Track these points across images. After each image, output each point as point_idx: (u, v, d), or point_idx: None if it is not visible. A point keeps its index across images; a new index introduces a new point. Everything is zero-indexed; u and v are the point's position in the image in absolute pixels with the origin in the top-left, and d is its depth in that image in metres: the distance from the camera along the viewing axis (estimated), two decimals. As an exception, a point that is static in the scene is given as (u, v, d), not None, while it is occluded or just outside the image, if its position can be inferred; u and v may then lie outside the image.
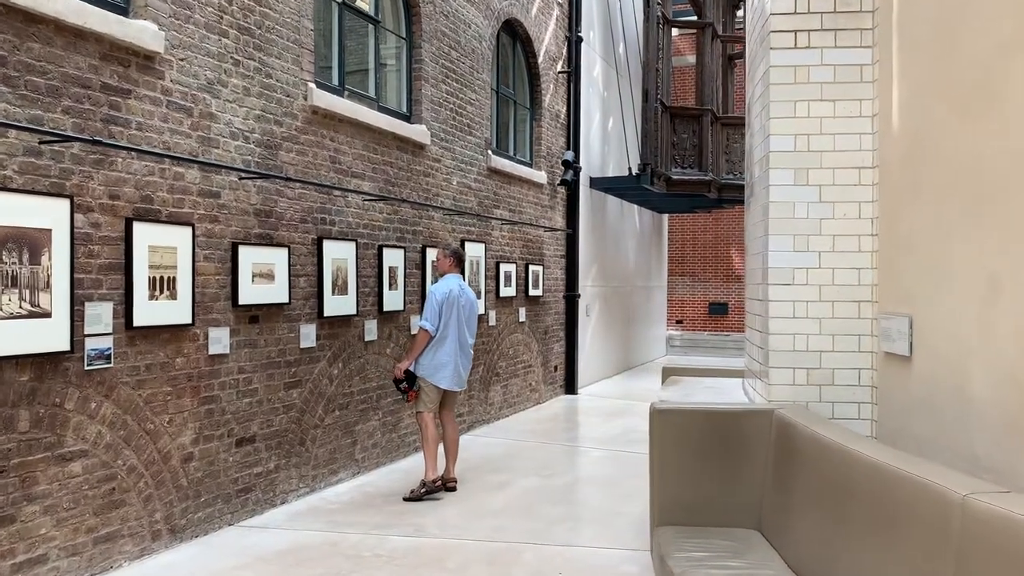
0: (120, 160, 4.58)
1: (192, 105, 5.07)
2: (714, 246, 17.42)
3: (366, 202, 6.85)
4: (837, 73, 3.94)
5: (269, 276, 5.69)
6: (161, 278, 4.81)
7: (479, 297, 8.76)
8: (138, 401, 4.69)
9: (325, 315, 6.29)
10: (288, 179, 5.79)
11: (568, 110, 11.30)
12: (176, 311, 4.92)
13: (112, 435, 4.53)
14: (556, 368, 11.18)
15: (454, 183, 8.32)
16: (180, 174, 4.98)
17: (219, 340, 5.27)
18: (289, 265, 5.88)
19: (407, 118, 7.58)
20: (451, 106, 8.24)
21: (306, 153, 6.12)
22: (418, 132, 7.56)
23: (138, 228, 4.64)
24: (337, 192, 6.46)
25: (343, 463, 6.60)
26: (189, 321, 5.01)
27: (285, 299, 5.85)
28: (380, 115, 7.02)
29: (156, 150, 4.76)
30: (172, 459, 4.94)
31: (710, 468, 3.85)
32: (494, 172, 9.19)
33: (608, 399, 11.19)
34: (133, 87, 4.66)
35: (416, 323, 7.54)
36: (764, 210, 4.06)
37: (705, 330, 17.39)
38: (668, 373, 5.78)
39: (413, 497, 6.06)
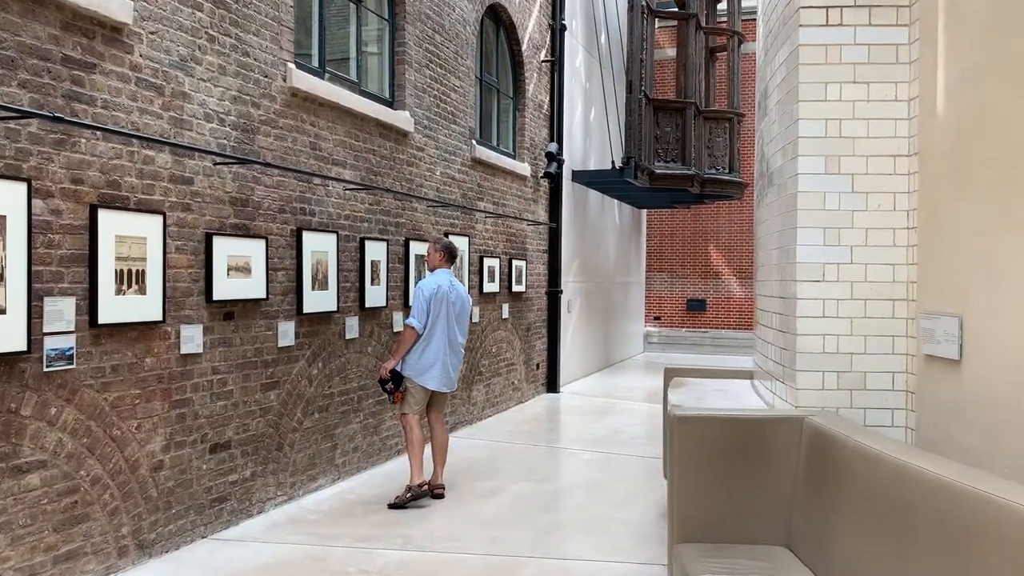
0: (84, 141, 4.16)
1: (163, 83, 4.65)
2: (692, 242, 17.20)
3: (347, 192, 6.46)
4: (871, 53, 3.65)
5: (245, 269, 5.29)
6: (129, 271, 4.40)
7: (462, 293, 8.38)
8: (103, 405, 4.28)
9: (304, 311, 5.90)
10: (267, 165, 5.39)
11: (552, 100, 10.97)
12: (145, 307, 4.51)
13: (74, 443, 4.12)
14: (538, 366, 10.86)
15: (437, 173, 7.95)
16: (150, 158, 4.57)
17: (192, 338, 4.87)
18: (267, 258, 5.49)
19: (390, 104, 7.20)
20: (435, 92, 7.87)
21: (285, 138, 5.72)
22: (402, 119, 7.18)
23: (104, 216, 4.22)
24: (317, 180, 6.06)
25: (323, 469, 6.22)
26: (159, 318, 4.61)
27: (262, 294, 5.46)
28: (363, 100, 6.63)
29: (124, 130, 4.35)
30: (140, 468, 4.54)
31: (734, 480, 3.55)
32: (478, 163, 8.83)
33: (590, 398, 10.90)
34: (98, 61, 4.24)
35: (400, 320, 7.19)
36: (790, 201, 3.76)
37: (683, 327, 17.18)
38: (671, 374, 5.47)
39: (398, 503, 5.73)
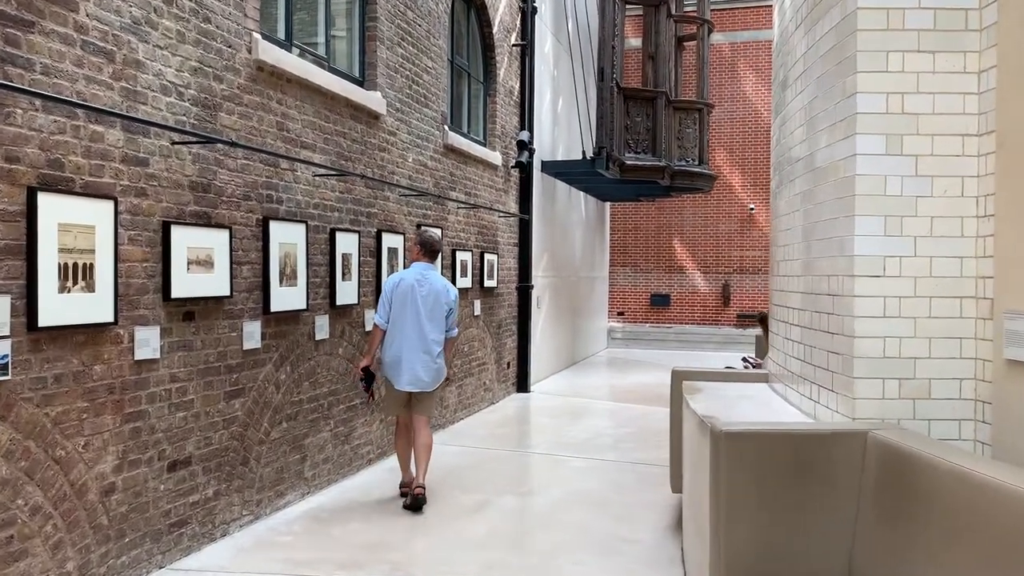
0: (20, 112, 3.53)
1: (114, 48, 4.03)
2: (656, 236, 16.86)
3: (317, 178, 5.87)
4: (938, 19, 3.23)
5: (207, 263, 4.68)
6: (75, 265, 3.78)
7: (435, 288, 7.83)
8: (44, 422, 3.66)
9: (272, 310, 5.31)
10: (233, 144, 4.78)
11: (522, 86, 10.46)
12: (94, 307, 3.89)
13: (9, 467, 3.49)
14: (509, 365, 10.37)
15: (410, 160, 7.39)
16: (99, 134, 3.94)
17: (147, 342, 4.26)
18: (230, 250, 4.89)
19: (360, 83, 6.62)
20: (407, 73, 7.31)
21: (250, 117, 5.11)
22: (374, 100, 6.61)
23: (44, 200, 3.60)
24: (285, 165, 5.47)
25: (291, 483, 5.63)
26: (110, 319, 3.99)
27: (226, 291, 4.86)
28: (332, 77, 6.04)
29: (69, 99, 3.72)
30: (89, 493, 3.92)
31: (789, 506, 3.10)
32: (450, 150, 8.29)
33: (562, 397, 10.44)
34: (37, 18, 3.60)
35: (371, 319, 6.65)
36: (845, 185, 3.33)
37: (647, 322, 16.84)
38: (680, 377, 5.02)
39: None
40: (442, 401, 8.20)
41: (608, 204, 16.62)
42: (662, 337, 16.42)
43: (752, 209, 16.38)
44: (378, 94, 6.72)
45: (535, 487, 6.16)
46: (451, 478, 6.33)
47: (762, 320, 7.68)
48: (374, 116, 6.69)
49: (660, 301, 16.77)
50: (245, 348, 5.08)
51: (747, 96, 16.46)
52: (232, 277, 4.91)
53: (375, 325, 5.65)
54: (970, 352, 3.24)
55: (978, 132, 3.23)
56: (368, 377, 5.71)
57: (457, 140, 8.39)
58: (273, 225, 5.31)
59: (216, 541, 4.82)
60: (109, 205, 3.96)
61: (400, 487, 5.84)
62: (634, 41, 16.02)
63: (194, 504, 4.65)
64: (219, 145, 4.78)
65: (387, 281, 5.73)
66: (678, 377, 5.03)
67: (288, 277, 5.49)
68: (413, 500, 5.46)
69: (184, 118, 4.51)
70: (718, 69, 16.01)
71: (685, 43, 14.55)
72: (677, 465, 5.04)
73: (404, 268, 5.76)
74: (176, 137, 4.43)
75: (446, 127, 8.16)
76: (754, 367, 7.91)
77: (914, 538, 2.75)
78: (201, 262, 4.62)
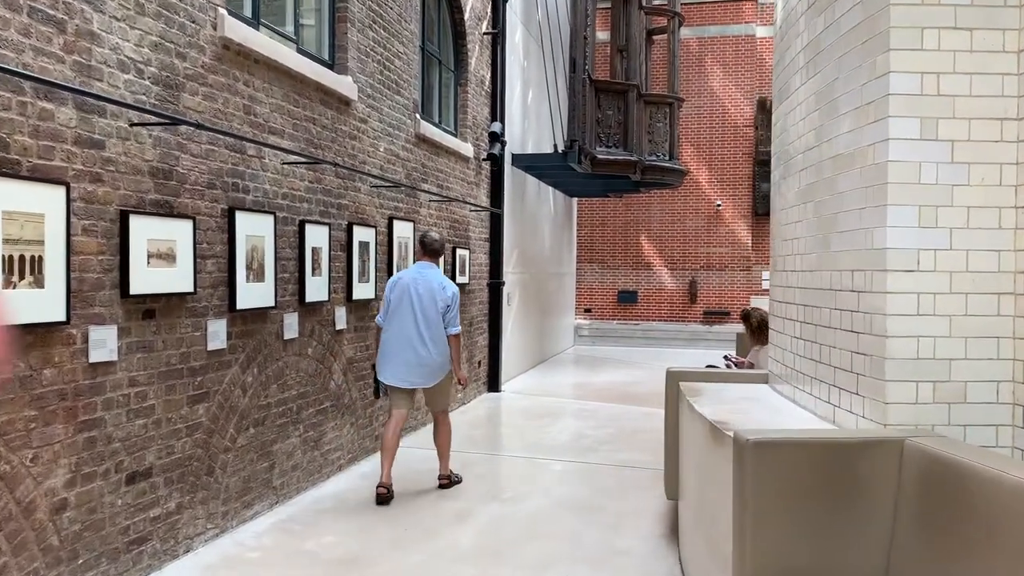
0: (-42, 83, 3.13)
1: (65, 17, 3.63)
2: (624, 232, 16.66)
3: (286, 166, 5.50)
4: (975, -7, 3.00)
5: (169, 257, 4.30)
6: (21, 258, 3.38)
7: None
8: (-13, 434, 3.26)
9: (238, 308, 4.93)
10: (199, 127, 4.39)
11: (494, 76, 10.14)
12: (43, 304, 3.50)
13: (-53, 486, 3.09)
14: (480, 363, 10.05)
15: (381, 149, 7.04)
16: (48, 112, 3.54)
17: (103, 343, 3.86)
18: (194, 243, 4.50)
19: (330, 66, 6.24)
20: (378, 57, 6.95)
21: (215, 98, 4.73)
22: (344, 85, 6.24)
23: (-14, 184, 3.20)
24: (252, 151, 5.09)
25: (259, 493, 5.26)
26: (62, 318, 3.60)
27: (189, 287, 4.47)
28: (302, 59, 5.67)
29: (15, 70, 3.32)
30: (38, 511, 3.53)
31: (820, 520, 2.85)
32: (422, 140, 7.94)
33: (534, 397, 10.15)
34: (-23, -21, 3.20)
35: (343, 317, 6.30)
36: (875, 173, 3.08)
37: (614, 319, 16.63)
38: (676, 378, 4.76)
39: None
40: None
41: (575, 200, 16.39)
42: (629, 334, 16.23)
43: (719, 205, 16.27)
44: (349, 79, 6.35)
45: (519, 493, 5.86)
46: (431, 484, 6.00)
47: (746, 317, 7.48)
48: (345, 102, 6.33)
49: (627, 298, 16.58)
50: (210, 348, 4.70)
51: (714, 91, 16.34)
52: (196, 272, 4.53)
53: (376, 324, 5.90)
54: (1008, 353, 3.02)
55: (1017, 116, 3.00)
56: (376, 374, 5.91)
57: (429, 130, 8.05)
58: (239, 216, 4.93)
59: (179, 558, 4.43)
60: (60, 191, 3.57)
61: (378, 486, 5.62)
62: (601, 35, 15.78)
63: (155, 519, 4.27)
64: (182, 128, 4.39)
65: (388, 282, 5.93)
66: (674, 378, 4.77)
67: (255, 272, 5.11)
68: (443, 488, 5.88)
69: (144, 97, 4.12)
70: (685, 64, 15.86)
71: (654, 36, 14.36)
72: (673, 470, 4.78)
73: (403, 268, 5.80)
74: (135, 117, 4.03)
75: (418, 116, 7.81)
76: (737, 365, 7.71)
77: (959, 554, 2.51)
78: (162, 255, 4.24)
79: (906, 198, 3.02)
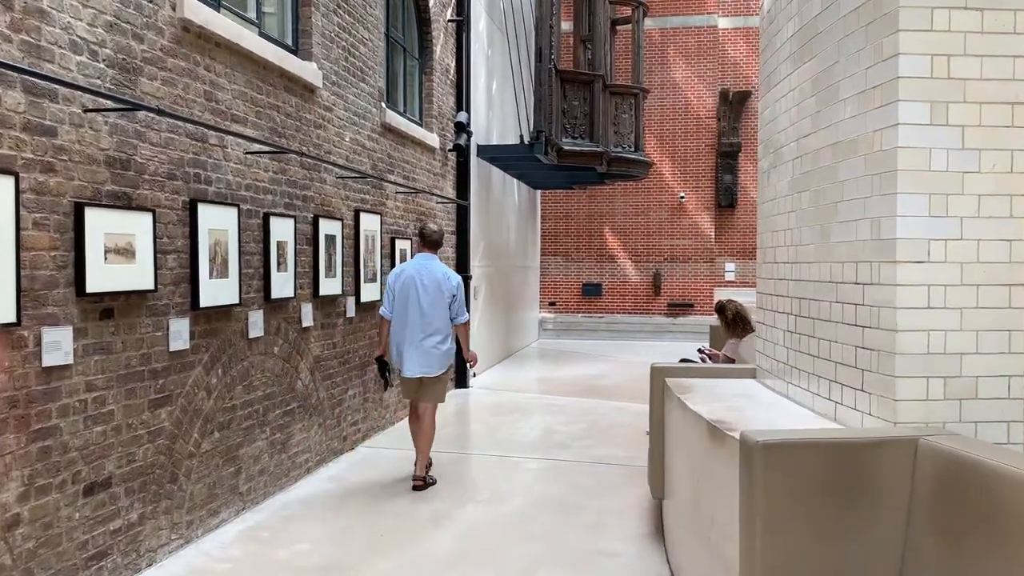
0: None
1: (11, -8, 3.34)
2: (588, 225, 16.54)
3: (249, 156, 5.23)
4: (985, -29, 2.88)
5: (127, 252, 4.03)
6: (-34, 253, 3.10)
7: (375, 280, 7.28)
8: (-70, 447, 2.98)
9: (201, 306, 4.66)
10: (160, 112, 4.12)
11: (459, 65, 9.91)
12: (-9, 304, 3.22)
13: None
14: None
15: (347, 139, 6.78)
16: (-6, 95, 3.26)
17: (58, 345, 3.59)
18: (154, 237, 4.23)
19: (294, 52, 5.98)
20: (343, 43, 6.69)
21: (175, 84, 4.45)
22: (309, 71, 5.98)
23: (-74, 173, 2.92)
24: (214, 140, 4.82)
25: (225, 499, 5.01)
26: (12, 319, 3.32)
27: (150, 284, 4.21)
28: (265, 44, 5.40)
29: (-46, 52, 3.04)
30: (-13, 529, 3.26)
31: (831, 525, 2.71)
32: (388, 130, 7.70)
33: (504, 392, 9.97)
34: (-87, -52, 2.91)
35: (309, 314, 6.07)
36: (883, 160, 2.95)
37: (579, 312, 16.52)
38: (662, 374, 4.61)
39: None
40: (382, 401, 7.64)
41: (539, 192, 16.23)
42: (593, 327, 16.14)
43: (682, 198, 16.24)
44: (313, 65, 6.10)
45: (495, 493, 5.68)
46: (404, 486, 5.79)
47: (720, 310, 7.38)
48: (310, 89, 6.07)
49: (591, 291, 16.47)
50: (172, 349, 4.43)
51: (676, 83, 16.29)
52: (157, 268, 4.26)
53: (381, 316, 5.97)
54: (1020, 346, 2.91)
55: (1028, 100, 2.89)
56: (382, 366, 6.06)
57: (395, 119, 7.80)
58: (202, 208, 4.66)
59: (142, 572, 4.17)
60: (9, 182, 3.29)
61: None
62: (564, 25, 15.60)
63: (115, 532, 4.00)
64: (140, 115, 4.12)
65: (391, 274, 6.02)
66: (659, 374, 4.62)
67: (219, 268, 4.85)
68: (417, 490, 5.74)
69: (99, 81, 3.84)
70: (647, 55, 15.77)
71: (617, 27, 14.23)
72: (659, 469, 4.64)
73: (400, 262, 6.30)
74: (89, 102, 3.76)
75: (383, 104, 7.57)
76: (711, 358, 7.61)
77: (978, 557, 2.39)
78: (121, 251, 3.96)
79: (916, 186, 2.90)
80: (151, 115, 4.17)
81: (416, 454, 5.87)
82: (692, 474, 3.69)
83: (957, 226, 2.91)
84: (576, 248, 16.55)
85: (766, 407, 3.71)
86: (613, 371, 11.86)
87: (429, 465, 5.96)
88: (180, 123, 4.45)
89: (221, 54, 4.89)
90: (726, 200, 16.40)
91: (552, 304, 16.55)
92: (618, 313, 16.35)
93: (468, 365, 6.36)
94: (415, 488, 5.72)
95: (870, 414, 3.07)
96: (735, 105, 16.39)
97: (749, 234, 16.72)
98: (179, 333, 4.50)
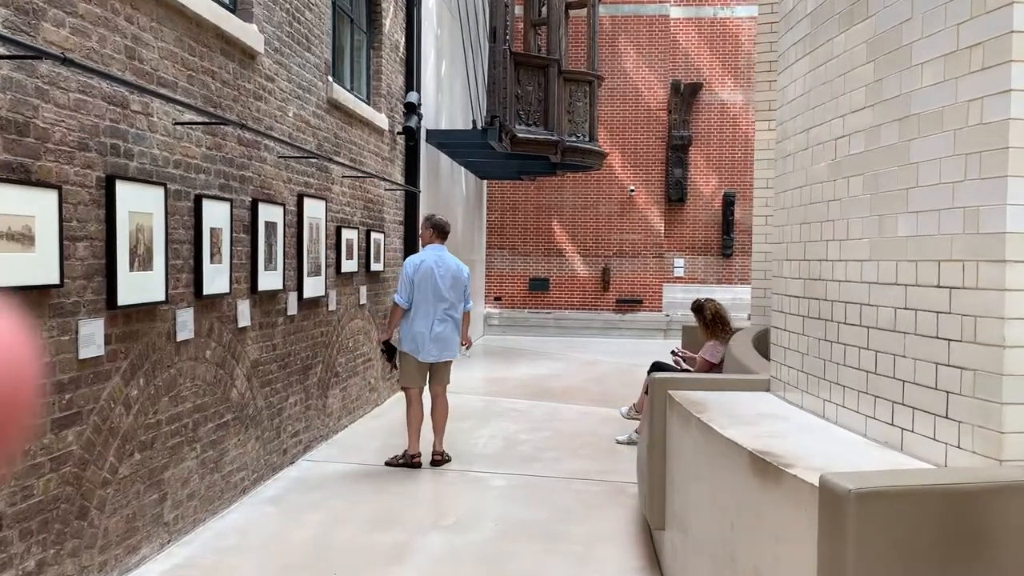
0: None
1: None
2: (536, 217, 15.93)
3: (178, 127, 4.45)
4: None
5: (25, 238, 3.24)
6: None
7: (318, 274, 6.53)
8: None
9: (119, 304, 3.88)
10: (67, 61, 3.32)
11: (408, 42, 9.16)
12: None
13: None
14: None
15: (290, 114, 6.02)
16: None
17: (-72, 356, 2.78)
18: (60, 220, 3.45)
19: (232, 10, 5.19)
20: (287, 6, 5.92)
21: (88, 34, 3.66)
22: (250, 34, 5.21)
23: None
24: (136, 105, 4.04)
25: (147, 532, 4.23)
26: None
27: (54, 278, 3.42)
28: (199, -3, 4.62)
29: None
30: None
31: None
32: (335, 107, 6.94)
33: (455, 395, 9.10)
34: None
35: (246, 312, 5.31)
36: (979, 136, 2.40)
37: (526, 307, 15.90)
38: (664, 386, 4.00)
39: (391, 463, 6.12)
40: (325, 408, 6.89)
41: (485, 182, 15.56)
42: (541, 323, 15.56)
43: (632, 191, 15.77)
44: (255, 27, 5.32)
45: (461, 518, 5.01)
46: (357, 510, 5.09)
47: (698, 310, 6.86)
48: (250, 55, 5.29)
49: (539, 285, 15.89)
50: (82, 357, 3.65)
51: (627, 73, 15.80)
52: (63, 258, 3.47)
53: (396, 304, 6.07)
54: None
55: None
56: (390, 350, 6.31)
57: (342, 95, 7.05)
58: (121, 187, 3.88)
59: (41, 633, 3.39)
60: None
61: (408, 456, 6.12)
62: (515, 8, 14.95)
63: (7, 585, 3.22)
64: (43, 69, 3.33)
65: (407, 263, 6.15)
66: (661, 386, 4.01)
67: (141, 259, 4.07)
68: (436, 464, 6.14)
69: (-14, 21, 3.04)
70: (598, 44, 15.24)
71: (570, 11, 13.65)
72: (658, 496, 4.04)
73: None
74: (-27, 47, 2.96)
75: (330, 78, 6.81)
76: (684, 361, 7.10)
77: None
78: (16, 236, 3.18)
79: (1027, 167, 2.34)
80: (57, 69, 3.39)
81: (434, 435, 6.23)
82: (722, 512, 3.09)
83: (1075, 218, 2.36)
84: (523, 241, 15.94)
85: (810, 432, 3.13)
86: (566, 371, 11.29)
87: (440, 454, 6.23)
88: (94, 82, 3.66)
89: (146, 4, 4.10)
90: (676, 194, 16.00)
91: (498, 299, 15.91)
92: (566, 309, 15.81)
93: (464, 347, 6.53)
94: (435, 463, 6.12)
95: (959, 447, 2.52)
96: (686, 97, 15.99)
97: (698, 229, 16.36)
98: (91, 337, 3.71)
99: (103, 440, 3.82)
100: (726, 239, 16.15)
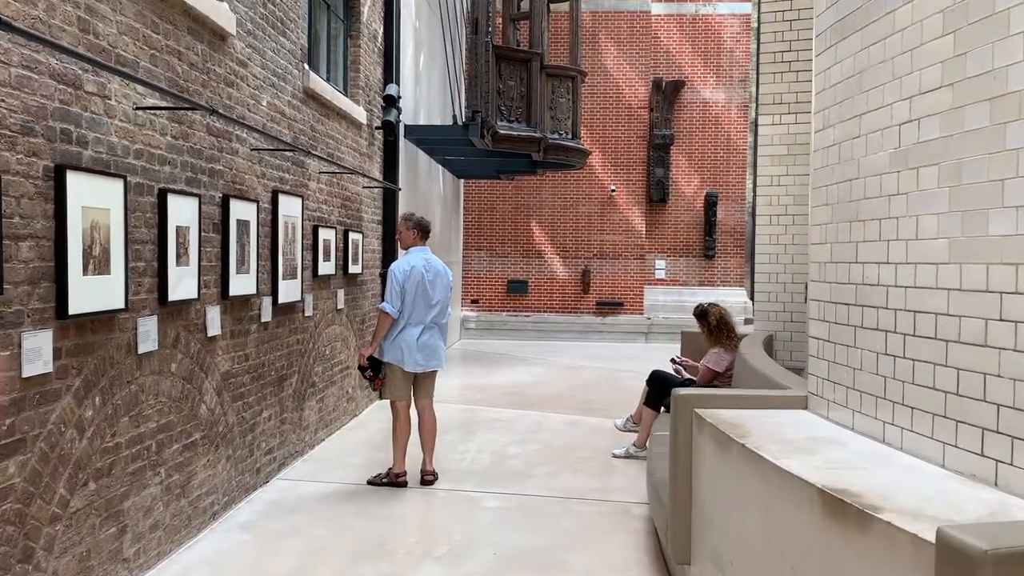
0: None
1: None
2: (513, 218, 15.47)
3: (140, 113, 3.95)
4: None
5: (-45, 236, 2.73)
6: None
7: (294, 277, 6.04)
8: None
9: (70, 313, 3.38)
10: (8, 28, 2.81)
11: (387, 32, 8.67)
12: None
13: None
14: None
15: (264, 103, 5.52)
16: None
17: None
18: (0, 216, 2.94)
19: (202, -13, 4.69)
20: (262, -14, 5.43)
21: (34, 2, 3.16)
22: (221, 13, 4.72)
23: None
24: (91, 85, 3.54)
25: (105, 571, 3.72)
26: None
27: (-9, 283, 2.92)
28: (164, -32, 4.12)
29: None
30: None
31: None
32: (311, 97, 6.45)
33: (436, 404, 8.77)
34: None
35: (217, 320, 4.81)
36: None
37: (504, 310, 15.43)
38: (689, 404, 3.57)
39: (375, 482, 5.68)
40: (301, 421, 6.39)
41: (462, 181, 15.10)
42: (519, 327, 15.12)
43: (613, 191, 15.39)
44: (226, 5, 4.83)
45: (455, 546, 4.55)
46: (340, 538, 4.61)
47: (702, 315, 6.46)
48: (220, 36, 4.80)
49: (517, 288, 15.44)
50: (26, 375, 3.14)
51: (608, 70, 15.41)
52: (3, 260, 2.97)
53: (385, 313, 5.58)
54: None
55: None
56: (375, 365, 5.70)
57: (319, 85, 6.56)
58: (73, 178, 3.37)
59: None
60: None
61: (392, 474, 5.68)
62: (497, 1, 14.50)
63: (-68, 649, 2.71)
64: (-24, 36, 2.82)
65: (395, 270, 5.68)
66: (686, 404, 3.59)
67: (97, 261, 3.57)
68: (426, 484, 5.69)
69: (-95, -24, 2.54)
70: (588, 37, 14.85)
71: (552, 5, 13.23)
72: (683, 528, 3.62)
73: (403, 253, 5.89)
74: None
75: (306, 66, 6.32)
76: (686, 370, 6.70)
77: None
78: (-58, 234, 2.67)
79: None
80: (-6, 38, 2.88)
81: (423, 452, 5.81)
82: (780, 555, 2.67)
83: None
84: (501, 242, 15.48)
85: (879, 462, 2.72)
86: (549, 377, 10.87)
87: (430, 473, 5.80)
88: (41, 56, 3.17)
89: (102, -29, 3.60)
90: (658, 195, 15.64)
91: (475, 302, 15.45)
92: (545, 312, 15.39)
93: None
94: (424, 483, 5.68)
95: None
96: (668, 95, 15.64)
97: (680, 230, 16.02)
98: (37, 351, 3.21)
99: (52, 470, 3.32)
100: (708, 240, 15.83)
